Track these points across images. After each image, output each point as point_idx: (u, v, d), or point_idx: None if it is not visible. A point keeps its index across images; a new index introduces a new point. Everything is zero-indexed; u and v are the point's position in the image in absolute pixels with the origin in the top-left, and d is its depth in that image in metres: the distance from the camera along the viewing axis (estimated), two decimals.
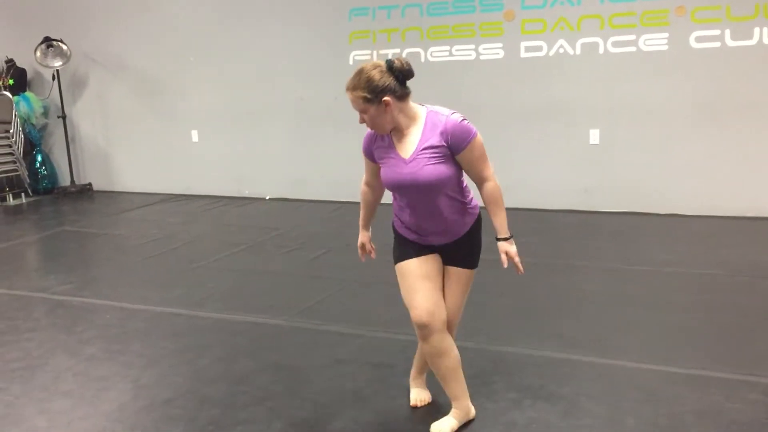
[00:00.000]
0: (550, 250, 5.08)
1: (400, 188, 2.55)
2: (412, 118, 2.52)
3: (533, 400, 2.91)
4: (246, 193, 7.61)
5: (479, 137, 2.51)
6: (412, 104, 2.53)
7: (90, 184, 8.45)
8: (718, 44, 5.65)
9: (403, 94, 2.48)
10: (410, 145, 2.51)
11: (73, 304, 4.37)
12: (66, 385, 3.25)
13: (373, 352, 3.44)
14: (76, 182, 8.37)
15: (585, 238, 5.46)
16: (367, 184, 2.77)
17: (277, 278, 4.76)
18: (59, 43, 7.82)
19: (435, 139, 2.48)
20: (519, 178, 6.41)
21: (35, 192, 8.19)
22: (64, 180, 8.45)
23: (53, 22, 7.95)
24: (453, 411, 2.71)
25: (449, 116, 2.50)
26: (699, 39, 5.69)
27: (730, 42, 5.61)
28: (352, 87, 2.45)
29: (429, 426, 2.72)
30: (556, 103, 6.21)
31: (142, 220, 6.77)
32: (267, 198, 7.49)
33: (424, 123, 2.51)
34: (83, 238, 6.25)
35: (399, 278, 2.66)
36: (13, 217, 7.26)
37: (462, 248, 2.65)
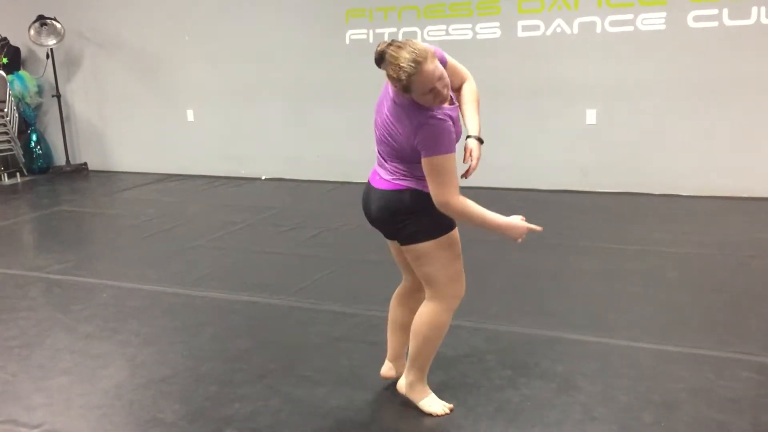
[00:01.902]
0: (546, 230, 5.05)
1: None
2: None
3: (528, 378, 2.94)
4: (242, 173, 7.60)
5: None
6: None
7: (85, 164, 8.42)
8: (716, 23, 5.63)
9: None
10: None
11: (69, 283, 4.38)
12: (63, 363, 3.27)
13: (369, 331, 3.46)
14: (72, 162, 8.34)
15: (581, 217, 5.48)
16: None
17: (273, 257, 4.77)
18: (53, 22, 7.75)
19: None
20: (516, 158, 6.41)
21: (30, 171, 8.16)
22: (60, 159, 8.42)
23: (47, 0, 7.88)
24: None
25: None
26: (697, 18, 5.67)
27: (728, 21, 5.59)
28: (431, 56, 2.27)
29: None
30: (553, 82, 6.20)
31: (137, 200, 6.76)
32: (263, 178, 7.49)
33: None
34: (79, 218, 6.25)
35: (445, 249, 2.53)
36: (8, 196, 7.24)
37: (399, 227, 2.54)
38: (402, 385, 2.79)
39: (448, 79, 2.34)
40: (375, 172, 2.60)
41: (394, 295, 2.87)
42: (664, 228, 5.06)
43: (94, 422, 2.74)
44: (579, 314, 3.60)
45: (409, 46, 2.28)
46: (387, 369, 2.90)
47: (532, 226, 2.53)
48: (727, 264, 4.28)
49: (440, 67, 2.31)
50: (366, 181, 2.64)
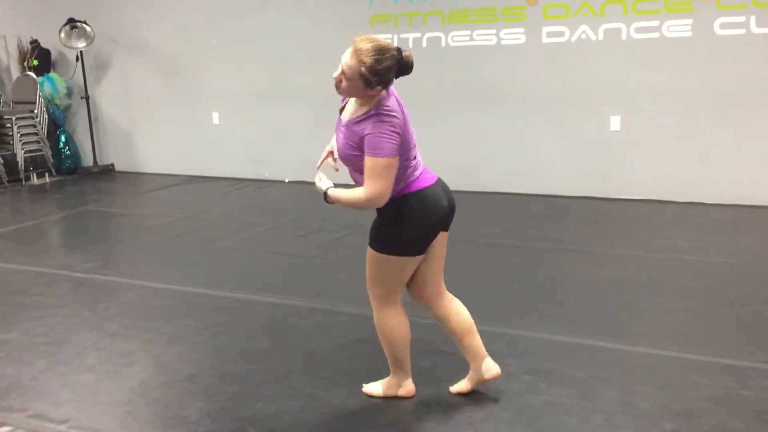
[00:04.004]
0: (567, 236, 5.08)
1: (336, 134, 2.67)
2: (375, 99, 2.51)
3: (548, 384, 2.94)
4: (266, 176, 7.66)
5: (381, 159, 2.44)
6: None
7: (112, 165, 8.55)
8: (743, 31, 5.58)
9: (389, 86, 2.51)
10: (351, 112, 2.57)
11: (96, 282, 4.45)
12: (90, 360, 3.33)
13: None
14: (99, 163, 8.47)
15: (603, 224, 5.45)
16: None
17: (295, 260, 4.81)
18: (83, 25, 7.88)
19: (359, 130, 2.48)
20: (538, 163, 6.40)
21: (58, 172, 8.30)
22: (87, 160, 8.55)
23: (77, 3, 8.01)
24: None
25: (378, 121, 2.45)
26: (723, 26, 5.63)
27: (755, 29, 5.54)
28: (362, 58, 2.40)
29: (442, 405, 2.79)
30: (578, 88, 6.18)
31: (163, 201, 6.85)
32: (287, 180, 7.54)
33: (368, 111, 2.49)
34: (106, 218, 6.35)
35: None
36: (36, 196, 7.37)
37: (373, 226, 2.69)
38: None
39: (344, 81, 2.47)
40: (430, 171, 2.70)
41: (428, 309, 2.88)
42: (686, 236, 5.02)
43: (120, 419, 2.80)
44: (600, 321, 3.59)
45: (379, 49, 2.45)
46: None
47: (323, 156, 2.82)
48: (751, 273, 4.24)
49: (347, 64, 2.44)
50: (428, 183, 2.64)
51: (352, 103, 2.60)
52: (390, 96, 2.53)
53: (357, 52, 2.42)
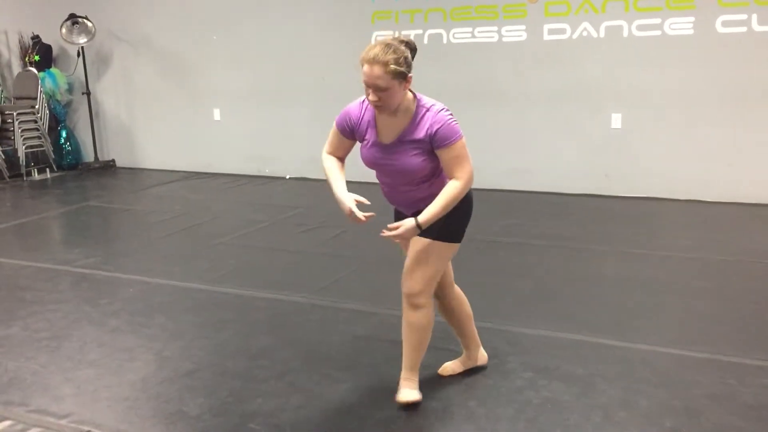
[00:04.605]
0: (569, 234, 5.09)
1: (375, 167, 2.65)
2: (408, 103, 2.54)
3: (548, 381, 2.95)
4: (267, 172, 7.67)
5: (462, 140, 2.52)
6: None
7: (113, 161, 8.55)
8: (744, 29, 5.58)
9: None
10: (392, 131, 2.55)
11: (97, 278, 4.46)
12: (91, 355, 3.34)
13: (390, 330, 3.48)
14: (100, 158, 8.47)
15: (604, 222, 5.45)
16: (331, 154, 2.76)
17: (296, 256, 4.82)
18: (84, 20, 7.88)
19: (419, 134, 2.51)
20: (540, 161, 6.40)
21: (59, 167, 8.30)
22: (88, 156, 8.55)
23: None
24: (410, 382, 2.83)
25: (438, 113, 2.52)
26: (725, 23, 5.63)
27: (756, 27, 5.54)
28: (384, 62, 2.38)
29: (443, 402, 2.80)
30: (579, 86, 6.18)
31: (164, 197, 6.86)
32: (287, 177, 7.55)
33: (413, 114, 2.53)
34: (107, 213, 6.35)
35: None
36: (37, 191, 7.38)
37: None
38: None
39: (386, 94, 2.43)
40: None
41: (441, 300, 2.96)
42: (688, 234, 5.03)
43: (121, 414, 2.80)
44: (601, 318, 3.60)
45: (386, 45, 2.42)
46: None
47: (358, 213, 2.56)
48: (752, 271, 4.24)
49: (379, 78, 2.40)
50: None
51: (385, 122, 2.56)
52: (416, 95, 2.57)
53: (375, 61, 2.40)
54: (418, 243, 2.64)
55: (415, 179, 2.60)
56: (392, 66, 2.39)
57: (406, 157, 2.54)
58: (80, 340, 3.51)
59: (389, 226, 2.59)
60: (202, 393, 2.93)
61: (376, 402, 2.83)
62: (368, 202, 2.60)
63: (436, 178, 2.63)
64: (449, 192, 2.53)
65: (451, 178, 2.55)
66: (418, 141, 2.52)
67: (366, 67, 2.42)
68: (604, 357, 3.16)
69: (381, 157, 2.60)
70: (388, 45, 2.43)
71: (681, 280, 4.12)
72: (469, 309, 2.98)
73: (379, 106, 2.49)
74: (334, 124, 2.70)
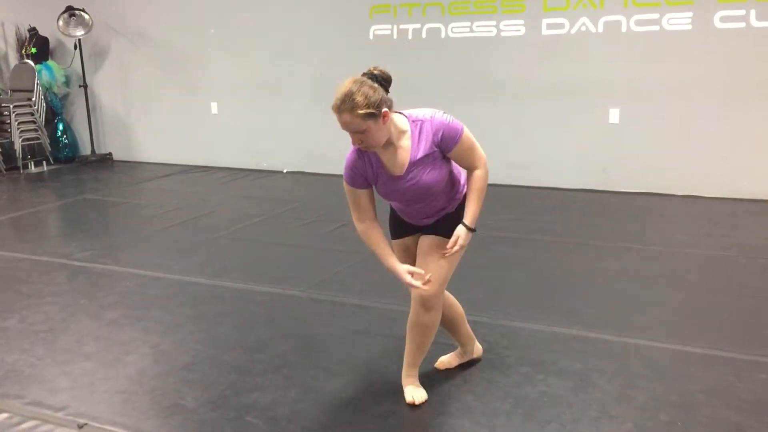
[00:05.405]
0: (567, 229, 5.09)
1: (396, 196, 2.62)
2: (400, 128, 2.51)
3: (545, 375, 2.95)
4: (264, 166, 7.65)
5: (465, 131, 2.52)
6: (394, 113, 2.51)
7: (110, 154, 8.53)
8: (743, 24, 5.57)
9: (391, 103, 2.46)
10: (401, 159, 2.52)
11: (94, 271, 4.45)
12: (88, 348, 3.33)
13: (388, 324, 3.49)
14: (97, 151, 8.45)
15: (602, 217, 5.46)
16: (364, 221, 2.63)
17: (293, 250, 4.82)
18: (81, 13, 7.85)
19: (425, 148, 2.50)
20: (538, 156, 6.40)
21: (56, 160, 8.28)
22: (85, 149, 8.53)
23: None
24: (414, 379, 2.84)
25: (432, 119, 2.50)
26: (723, 19, 5.62)
27: (755, 22, 5.53)
28: (350, 108, 2.33)
29: (441, 397, 2.80)
30: (577, 81, 6.17)
31: (161, 190, 6.84)
32: (285, 171, 7.54)
33: (410, 134, 2.51)
34: (104, 207, 6.34)
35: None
36: (34, 184, 7.36)
37: (439, 223, 2.70)
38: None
39: (365, 136, 2.40)
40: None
41: None
42: (685, 229, 5.03)
43: (117, 407, 2.80)
44: (598, 313, 3.60)
45: (349, 90, 2.36)
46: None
47: (412, 282, 2.56)
48: (749, 267, 4.25)
49: (351, 123, 2.36)
50: None
51: (388, 156, 2.52)
52: (403, 113, 2.56)
53: (341, 110, 2.36)
54: (432, 244, 2.66)
55: (438, 191, 2.59)
56: (359, 111, 2.33)
57: (423, 175, 2.53)
58: (77, 333, 3.51)
59: (449, 244, 2.59)
60: (199, 386, 2.93)
61: (374, 396, 2.83)
62: (422, 271, 2.59)
63: (452, 182, 2.64)
64: (477, 185, 2.57)
65: (472, 169, 2.57)
66: (428, 155, 2.51)
67: (337, 117, 2.39)
68: (601, 351, 3.17)
69: (400, 186, 2.56)
70: (348, 93, 2.35)
71: (678, 275, 4.12)
72: (461, 309, 2.94)
73: (368, 146, 2.46)
74: (346, 186, 2.61)
